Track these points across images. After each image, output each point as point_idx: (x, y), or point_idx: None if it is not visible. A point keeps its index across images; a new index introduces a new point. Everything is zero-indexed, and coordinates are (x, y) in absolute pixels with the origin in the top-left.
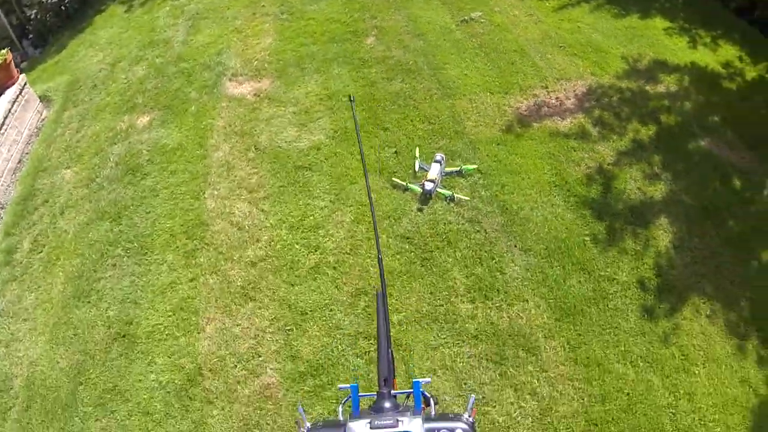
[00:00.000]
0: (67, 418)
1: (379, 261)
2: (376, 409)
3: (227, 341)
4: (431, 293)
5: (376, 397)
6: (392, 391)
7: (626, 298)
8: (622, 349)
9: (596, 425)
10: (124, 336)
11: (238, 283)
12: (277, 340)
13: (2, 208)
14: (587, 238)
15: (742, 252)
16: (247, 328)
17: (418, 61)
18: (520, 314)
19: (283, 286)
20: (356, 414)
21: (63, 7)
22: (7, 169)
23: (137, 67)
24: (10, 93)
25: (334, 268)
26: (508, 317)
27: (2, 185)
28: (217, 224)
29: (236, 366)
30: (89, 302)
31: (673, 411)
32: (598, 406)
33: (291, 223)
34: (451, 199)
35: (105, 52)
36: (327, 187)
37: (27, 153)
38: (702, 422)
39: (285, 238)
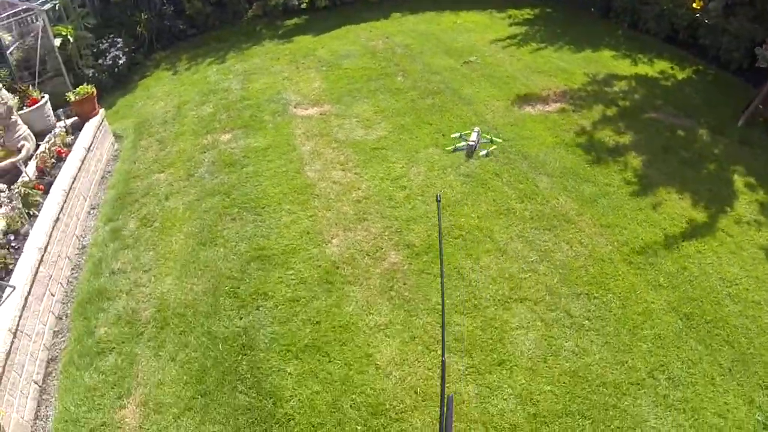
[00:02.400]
0: (210, 324)
1: (443, 372)
2: None
3: (353, 245)
4: (494, 200)
5: None
6: None
7: (622, 193)
8: (629, 217)
9: (628, 261)
10: (258, 257)
11: (351, 213)
12: (392, 238)
13: (94, 209)
14: (586, 165)
15: (694, 167)
16: (366, 235)
17: (440, 86)
18: (556, 205)
19: (387, 210)
20: None
21: (116, 69)
22: (94, 180)
23: (204, 107)
24: (95, 121)
25: (421, 195)
26: (550, 207)
27: (92, 193)
28: (321, 184)
29: (365, 258)
30: (216, 245)
31: (678, 246)
32: (624, 247)
33: (380, 177)
34: (486, 155)
35: (165, 101)
36: (400, 156)
37: (109, 171)
38: (698, 250)
39: (379, 185)
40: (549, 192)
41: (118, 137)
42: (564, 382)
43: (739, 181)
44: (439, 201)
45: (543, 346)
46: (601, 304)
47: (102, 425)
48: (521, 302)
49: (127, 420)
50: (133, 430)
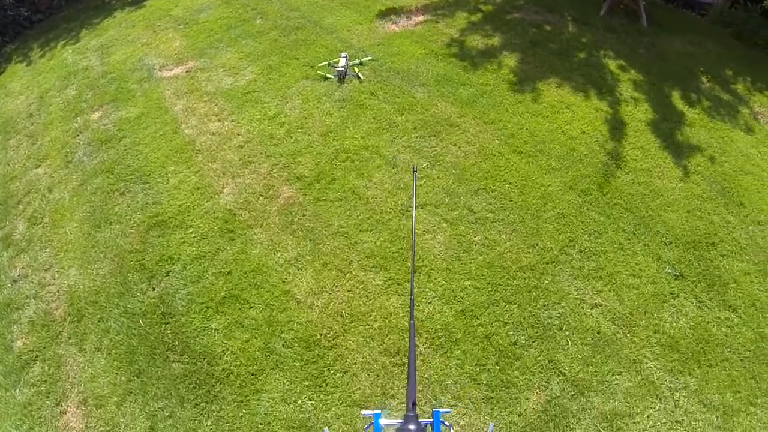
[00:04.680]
0: (125, 303)
1: (411, 300)
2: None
3: (245, 188)
4: (374, 118)
5: (403, 420)
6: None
7: (500, 90)
8: (510, 111)
9: (518, 151)
10: (155, 224)
11: (236, 159)
12: (281, 174)
13: None
14: (460, 70)
15: (564, 57)
16: (256, 177)
17: (301, 21)
18: (436, 112)
19: (271, 148)
20: None
21: None
22: None
23: (67, 91)
24: None
25: (301, 127)
26: (431, 114)
27: None
28: (200, 139)
29: (259, 199)
30: (111, 223)
31: (562, 130)
32: (511, 139)
33: (258, 119)
34: (358, 77)
35: (26, 94)
36: (272, 95)
37: None
38: (582, 131)
39: (257, 127)
40: (427, 100)
41: None
42: (482, 275)
43: (611, 64)
44: (415, 171)
45: (453, 245)
46: (500, 196)
47: None
48: (422, 208)
49: (71, 424)
50: None
